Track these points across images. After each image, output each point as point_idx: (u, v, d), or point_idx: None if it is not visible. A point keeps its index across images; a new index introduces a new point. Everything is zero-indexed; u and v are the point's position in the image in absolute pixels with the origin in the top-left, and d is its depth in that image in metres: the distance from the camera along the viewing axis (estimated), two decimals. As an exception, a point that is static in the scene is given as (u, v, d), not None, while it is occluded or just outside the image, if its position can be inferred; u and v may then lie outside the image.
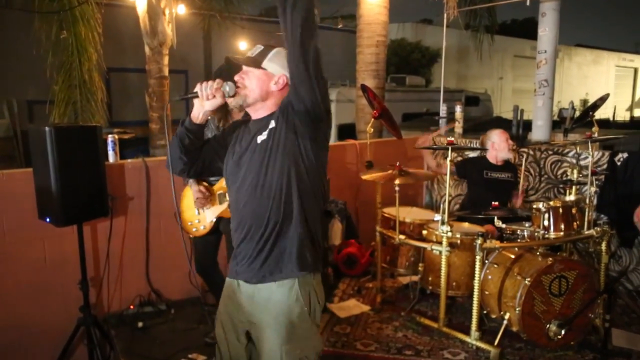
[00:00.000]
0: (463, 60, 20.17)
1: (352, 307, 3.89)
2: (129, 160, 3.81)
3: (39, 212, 3.06)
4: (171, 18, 4.97)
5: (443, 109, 6.52)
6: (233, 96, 1.81)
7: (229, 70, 2.82)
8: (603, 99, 4.15)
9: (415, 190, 5.88)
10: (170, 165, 1.94)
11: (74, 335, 3.11)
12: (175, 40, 5.07)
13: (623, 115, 25.42)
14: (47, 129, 2.88)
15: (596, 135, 3.88)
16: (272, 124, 1.79)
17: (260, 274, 1.83)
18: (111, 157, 3.65)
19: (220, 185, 3.12)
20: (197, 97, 1.80)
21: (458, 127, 6.07)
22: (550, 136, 6.42)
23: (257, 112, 1.88)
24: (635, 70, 32.51)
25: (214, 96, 1.79)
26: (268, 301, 1.83)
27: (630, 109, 30.27)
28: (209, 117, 2.78)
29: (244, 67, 1.86)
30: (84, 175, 3.04)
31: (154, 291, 3.90)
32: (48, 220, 3.01)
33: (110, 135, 3.66)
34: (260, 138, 1.81)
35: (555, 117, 9.07)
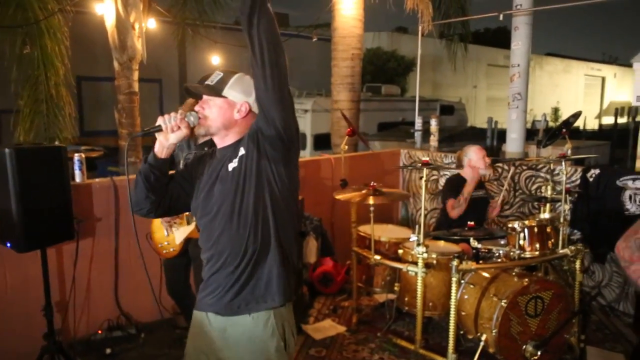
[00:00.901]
0: (438, 68, 20.40)
1: (327, 328, 3.82)
2: (97, 180, 3.69)
3: (-1, 236, 2.93)
4: (141, 32, 4.85)
5: (418, 122, 6.53)
6: (197, 125, 1.75)
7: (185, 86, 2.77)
8: (576, 116, 4.18)
9: (391, 205, 5.85)
10: (134, 208, 1.82)
11: (37, 365, 2.98)
12: (145, 55, 4.95)
13: (592, 124, 26.01)
14: (7, 150, 2.77)
15: (569, 152, 3.91)
16: (242, 150, 1.73)
17: (235, 305, 1.76)
18: (78, 177, 3.53)
19: None
20: (161, 130, 1.70)
21: (433, 141, 6.07)
22: (524, 148, 6.50)
23: (223, 140, 1.82)
24: (603, 79, 33.38)
25: (179, 127, 1.71)
26: (242, 336, 1.77)
27: (599, 117, 31.02)
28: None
29: (205, 96, 1.79)
30: (47, 197, 2.93)
31: (123, 314, 3.77)
32: (9, 245, 2.89)
33: (77, 154, 3.53)
34: (231, 166, 1.74)
35: (529, 126, 9.19)
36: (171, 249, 3.05)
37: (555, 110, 26.74)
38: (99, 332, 3.61)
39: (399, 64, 19.54)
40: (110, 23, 4.75)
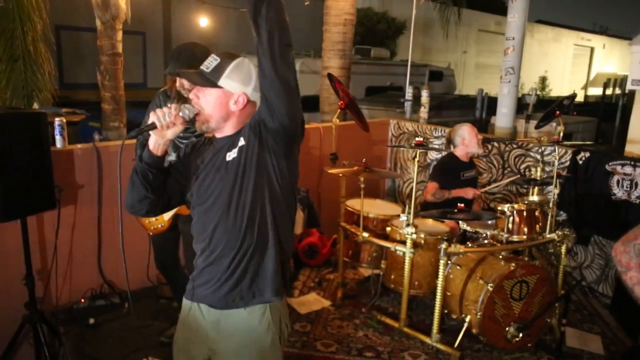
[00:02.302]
0: (428, 32, 20.02)
1: (312, 302, 3.83)
2: (79, 146, 3.56)
3: (-24, 205, 2.82)
4: (125, -11, 4.61)
5: (409, 92, 6.43)
6: (194, 118, 1.65)
7: (185, 54, 2.63)
8: (570, 98, 4.14)
9: (379, 178, 5.81)
10: (130, 210, 1.73)
11: (18, 334, 2.92)
12: (130, 14, 4.70)
13: (578, 95, 26.09)
14: (-17, 116, 2.62)
15: (561, 134, 3.88)
16: (242, 141, 1.65)
17: (229, 298, 1.71)
18: (59, 143, 3.40)
19: None
20: (155, 128, 1.59)
21: (423, 112, 6.00)
22: (513, 122, 6.48)
23: (222, 131, 1.72)
24: (592, 49, 33.28)
25: (174, 124, 1.60)
26: (236, 329, 1.73)
27: (585, 87, 31.12)
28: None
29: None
30: (27, 165, 2.80)
31: (106, 282, 3.72)
32: (-13, 215, 2.78)
33: (57, 119, 3.38)
34: (229, 155, 1.66)
35: (519, 96, 9.17)
36: (159, 225, 2.98)
37: (543, 80, 26.69)
38: (82, 300, 3.57)
39: (389, 26, 19.13)
40: (91, -22, 4.50)
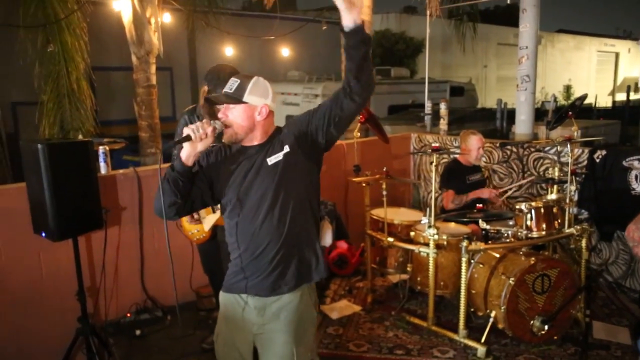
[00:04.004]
0: (447, 49, 20.25)
1: (343, 307, 4.00)
2: (121, 171, 3.86)
3: (34, 227, 3.12)
4: (157, 27, 4.98)
5: (428, 105, 6.62)
6: (222, 130, 1.88)
7: (218, 75, 2.90)
8: (582, 99, 4.27)
9: (404, 189, 5.98)
10: (160, 215, 1.91)
11: (73, 345, 3.18)
12: (162, 49, 5.09)
13: (605, 101, 25.72)
14: (39, 146, 2.92)
15: (575, 133, 4.01)
16: (287, 148, 1.91)
17: (275, 286, 1.96)
18: (102, 169, 3.70)
19: None
20: (190, 140, 1.80)
21: (443, 124, 6.17)
22: (532, 129, 6.57)
23: (251, 140, 1.96)
24: (617, 54, 32.86)
25: (206, 136, 1.81)
26: (281, 310, 1.97)
27: (612, 93, 30.64)
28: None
29: (225, 102, 1.91)
30: (77, 189, 3.08)
31: (149, 298, 3.97)
32: (43, 235, 3.06)
33: (101, 147, 3.70)
34: (271, 160, 1.91)
35: (538, 106, 9.23)
36: (202, 236, 3.24)
37: (568, 88, 26.46)
38: (128, 315, 3.82)
39: (407, 46, 19.44)
40: (127, 19, 4.89)
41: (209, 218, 3.19)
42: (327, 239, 4.67)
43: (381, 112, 12.73)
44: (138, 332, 3.64)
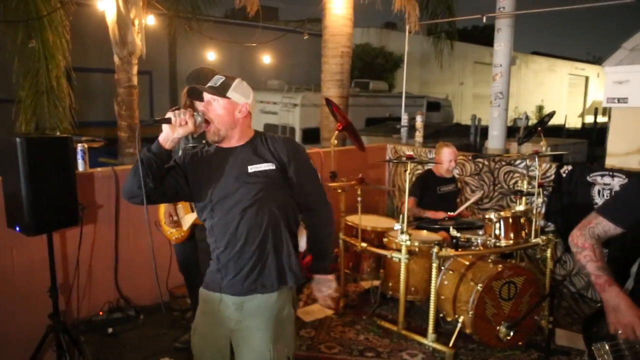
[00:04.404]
0: (425, 65, 20.68)
1: (316, 311, 4.06)
2: (99, 169, 3.87)
3: (8, 221, 3.10)
4: (140, 28, 5.02)
5: (404, 118, 6.77)
6: (204, 124, 1.93)
7: (199, 76, 2.96)
8: (550, 116, 4.45)
9: (378, 198, 6.09)
10: (127, 196, 1.93)
11: (43, 342, 3.15)
12: (144, 50, 5.12)
13: (575, 122, 26.48)
14: (18, 139, 2.92)
15: (544, 148, 4.17)
16: (271, 165, 1.99)
17: (253, 287, 2.00)
18: (80, 166, 3.70)
19: None
20: (170, 122, 1.84)
21: (418, 136, 6.33)
22: (504, 145, 6.79)
23: (230, 141, 2.02)
24: (587, 78, 33.94)
25: (187, 123, 1.86)
26: (259, 307, 2.01)
27: (582, 115, 31.57)
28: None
29: (208, 97, 1.98)
30: (54, 184, 3.08)
31: (122, 297, 3.97)
32: (17, 229, 3.04)
33: (79, 145, 3.71)
34: (252, 168, 1.97)
35: (510, 124, 9.52)
36: (180, 235, 3.27)
37: (540, 109, 27.19)
38: (100, 313, 3.81)
39: (387, 60, 19.78)
40: (111, 19, 4.92)
41: (188, 217, 3.23)
42: (302, 244, 4.71)
43: (359, 123, 12.91)
44: (110, 330, 3.63)
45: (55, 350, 3.17)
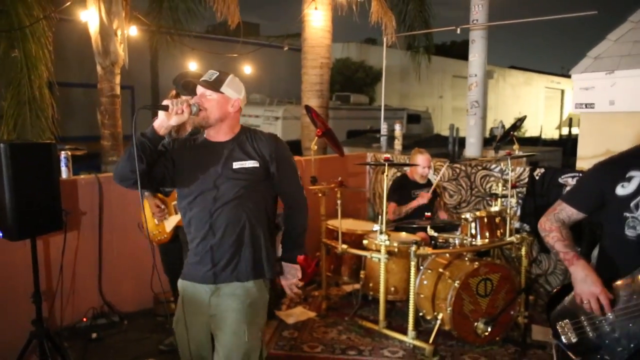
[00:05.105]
0: (405, 79, 21.04)
1: (299, 313, 4.12)
2: (82, 176, 3.91)
3: (-9, 226, 3.12)
4: (123, 39, 5.10)
5: (384, 127, 6.92)
6: (196, 114, 2.01)
7: (186, 77, 3.04)
8: (521, 120, 4.62)
9: (360, 205, 6.20)
10: (119, 179, 1.98)
11: (26, 349, 3.15)
12: (127, 60, 5.19)
13: (552, 134, 27.05)
14: (2, 145, 2.96)
15: (517, 152, 4.33)
16: (255, 163, 2.08)
17: (229, 278, 2.09)
18: (64, 173, 3.75)
19: (175, 196, 3.29)
20: (166, 110, 1.90)
21: (397, 145, 6.47)
22: (481, 152, 6.96)
23: (218, 134, 2.11)
24: (562, 91, 34.76)
25: (182, 112, 1.92)
26: (235, 290, 2.10)
27: (559, 127, 32.27)
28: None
29: (201, 90, 2.07)
30: (38, 190, 3.12)
31: (106, 304, 3.98)
32: (1, 234, 3.06)
33: (63, 152, 3.75)
34: (237, 165, 2.06)
35: (487, 135, 9.76)
36: (163, 237, 3.32)
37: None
38: (84, 319, 3.82)
39: (367, 74, 20.09)
40: (94, 29, 4.99)
41: (171, 219, 3.29)
42: (279, 251, 4.78)
43: (340, 136, 13.03)
44: (94, 335, 3.64)
45: (38, 356, 3.18)
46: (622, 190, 1.95)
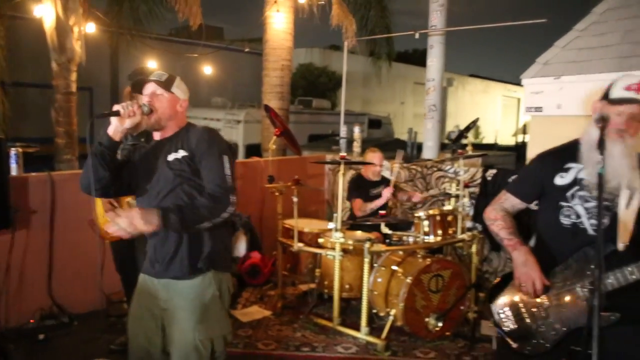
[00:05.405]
0: (367, 85, 21.34)
1: (254, 312, 4.13)
2: (34, 174, 3.82)
3: None
4: (80, 35, 4.99)
5: (343, 130, 7.01)
6: (149, 114, 2.04)
7: (142, 73, 3.04)
8: (474, 122, 4.77)
9: (318, 206, 6.25)
10: (85, 190, 2.02)
11: (-32, 351, 3.07)
12: (84, 57, 5.09)
13: (509, 141, 27.85)
14: (-54, 140, 2.90)
15: (469, 152, 4.47)
16: (183, 152, 2.08)
17: (179, 272, 2.10)
18: (14, 170, 3.66)
19: None
20: (119, 115, 1.93)
21: (356, 147, 6.56)
22: (439, 155, 7.13)
23: (165, 131, 2.16)
24: (519, 100, 35.83)
25: (134, 114, 1.96)
26: (183, 288, 2.10)
27: (515, 135, 33.26)
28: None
29: (152, 89, 2.11)
30: (-15, 187, 3.06)
31: (56, 305, 3.88)
32: (-56, 232, 2.99)
33: (13, 149, 3.66)
34: (171, 157, 2.08)
35: (446, 140, 10.02)
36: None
37: (476, 127, 28.43)
38: (31, 321, 3.71)
39: (329, 80, 20.23)
40: (49, 25, 4.87)
41: (124, 215, 3.25)
42: (241, 249, 4.79)
43: (302, 140, 13.11)
44: (42, 336, 3.55)
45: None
46: (560, 180, 2.06)
